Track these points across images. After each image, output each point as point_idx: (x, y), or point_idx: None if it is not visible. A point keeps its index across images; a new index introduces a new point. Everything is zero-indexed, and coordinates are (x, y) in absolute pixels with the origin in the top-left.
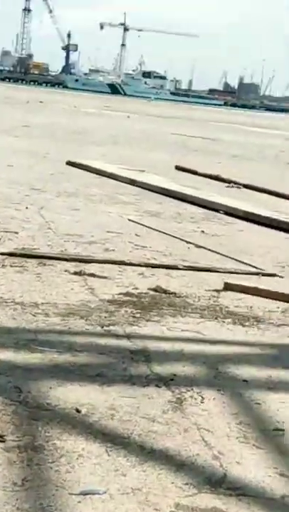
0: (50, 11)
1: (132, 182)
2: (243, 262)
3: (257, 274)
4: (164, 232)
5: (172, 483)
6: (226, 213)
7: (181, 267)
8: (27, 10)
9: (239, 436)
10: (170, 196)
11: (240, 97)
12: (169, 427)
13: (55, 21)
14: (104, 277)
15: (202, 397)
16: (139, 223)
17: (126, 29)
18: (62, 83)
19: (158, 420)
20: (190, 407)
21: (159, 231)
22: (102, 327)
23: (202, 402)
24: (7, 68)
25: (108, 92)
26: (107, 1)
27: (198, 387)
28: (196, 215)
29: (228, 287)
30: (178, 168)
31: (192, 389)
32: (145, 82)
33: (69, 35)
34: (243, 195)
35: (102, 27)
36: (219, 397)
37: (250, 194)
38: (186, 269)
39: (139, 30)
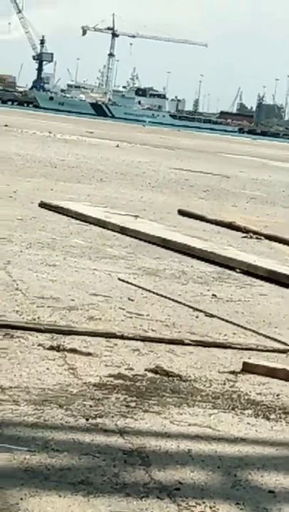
0: (19, 11)
1: (123, 230)
2: (266, 336)
3: (285, 351)
4: (165, 297)
5: None
6: (244, 272)
7: (187, 341)
8: None
9: None
10: (171, 249)
11: (259, 121)
12: None
13: (25, 24)
14: (89, 354)
15: None
16: (132, 284)
17: (115, 35)
18: (32, 102)
19: None
20: None
21: (159, 294)
22: (87, 419)
23: None
24: None
25: (92, 114)
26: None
27: (211, 499)
28: (206, 275)
29: (247, 368)
30: (181, 212)
31: (203, 502)
32: (139, 102)
33: (42, 42)
34: (264, 249)
35: (84, 32)
36: None
37: (274, 247)
38: (193, 345)
39: (132, 36)
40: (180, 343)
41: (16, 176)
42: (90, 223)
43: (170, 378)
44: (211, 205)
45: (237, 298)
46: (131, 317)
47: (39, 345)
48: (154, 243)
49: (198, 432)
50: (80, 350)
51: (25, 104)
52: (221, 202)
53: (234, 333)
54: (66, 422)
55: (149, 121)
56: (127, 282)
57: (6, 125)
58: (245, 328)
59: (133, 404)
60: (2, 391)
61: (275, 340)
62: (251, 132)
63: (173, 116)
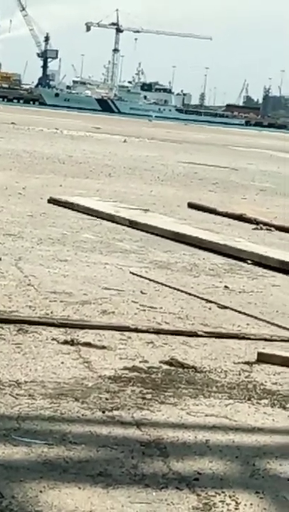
0: (23, 9)
1: (134, 224)
2: (280, 326)
3: None
4: (178, 289)
5: None
6: (256, 263)
7: (201, 333)
8: None
9: None
10: (182, 242)
11: (265, 113)
12: None
13: (29, 21)
14: (103, 347)
15: (236, 502)
16: (144, 277)
17: (119, 30)
18: (38, 99)
19: None
20: None
21: (171, 287)
22: (104, 412)
23: (236, 509)
24: None
25: (98, 110)
26: None
27: (230, 488)
28: (217, 267)
29: (262, 359)
30: (191, 205)
31: (223, 491)
32: (145, 97)
33: (47, 39)
34: (275, 240)
35: (88, 28)
36: (258, 501)
37: (285, 238)
38: (207, 336)
39: (136, 31)
40: (194, 334)
41: (25, 173)
42: (100, 218)
43: (185, 370)
44: (220, 198)
45: (249, 289)
46: (144, 310)
47: (53, 339)
48: (164, 236)
49: (215, 422)
50: (94, 343)
51: (31, 102)
52: (231, 194)
53: (248, 324)
54: (83, 415)
55: (156, 116)
56: (139, 276)
57: (12, 123)
58: (259, 319)
59: (149, 396)
60: (18, 385)
61: None
62: (258, 125)
63: (179, 110)
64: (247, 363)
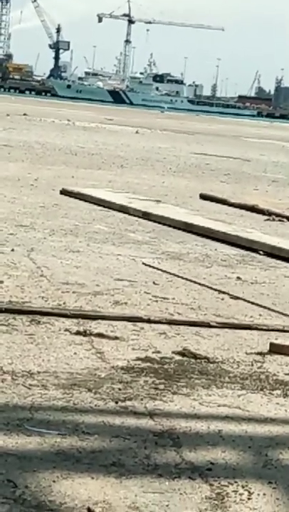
0: (34, 0)
1: (146, 215)
2: None
3: None
4: (190, 280)
5: None
6: (268, 254)
7: (213, 324)
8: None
9: None
10: (194, 233)
11: (277, 104)
12: None
13: (41, 12)
14: (116, 338)
15: (249, 492)
16: (156, 268)
17: (131, 21)
18: (50, 90)
19: None
20: (234, 505)
21: (184, 278)
22: (116, 402)
23: (249, 499)
24: None
25: (109, 101)
26: None
27: (243, 479)
28: (230, 258)
29: (275, 349)
30: (203, 196)
31: (235, 481)
32: (157, 88)
33: (58, 30)
34: (287, 231)
35: (100, 19)
36: (271, 491)
37: None
38: (220, 327)
39: (148, 22)
40: (206, 325)
41: (37, 164)
42: (112, 209)
43: (197, 360)
44: (232, 189)
45: (262, 280)
46: (156, 301)
47: (66, 330)
48: (177, 227)
49: (227, 412)
50: (107, 334)
51: (43, 93)
52: (243, 185)
53: (260, 315)
54: (96, 406)
55: (168, 107)
56: (152, 267)
57: (25, 114)
58: (271, 310)
59: (162, 386)
60: (31, 376)
61: None
62: (270, 116)
63: (191, 101)
64: (259, 353)
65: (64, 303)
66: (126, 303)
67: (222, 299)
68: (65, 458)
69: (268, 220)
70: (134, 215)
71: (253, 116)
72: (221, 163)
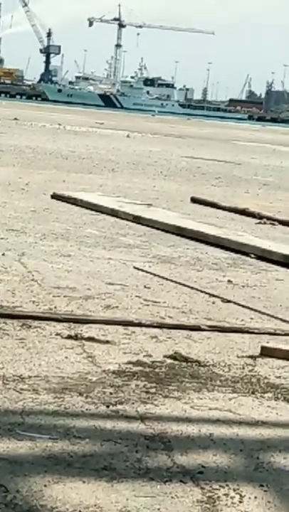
0: (25, 4)
1: (137, 219)
2: (283, 320)
3: None
4: (181, 283)
5: None
6: (259, 258)
7: (204, 327)
8: None
9: None
10: (185, 236)
11: (268, 108)
12: None
13: (31, 17)
14: (107, 342)
15: (240, 495)
16: (147, 272)
17: (121, 25)
18: (41, 95)
19: None
20: (225, 508)
21: (175, 282)
22: (108, 406)
23: (240, 502)
24: None
25: (100, 105)
26: None
27: (234, 482)
28: (220, 261)
29: (266, 352)
30: (194, 200)
31: (227, 485)
32: (147, 92)
33: (49, 34)
34: (278, 234)
35: (91, 23)
36: (262, 494)
37: (288, 232)
38: (211, 330)
39: (139, 26)
40: (197, 329)
41: (28, 169)
42: (103, 213)
43: (189, 364)
44: (223, 192)
45: (253, 283)
46: (148, 305)
47: (57, 334)
48: (168, 231)
49: (219, 416)
50: (98, 338)
51: (34, 98)
52: (234, 188)
53: (251, 318)
54: (87, 410)
55: (158, 111)
56: (143, 270)
57: (15, 118)
58: (262, 313)
59: (153, 390)
60: (22, 380)
61: None
62: (261, 119)
63: (182, 105)
64: (251, 356)
65: (55, 307)
66: (117, 307)
67: (213, 303)
68: (57, 462)
69: (259, 223)
70: (126, 219)
71: (244, 119)
72: (212, 167)
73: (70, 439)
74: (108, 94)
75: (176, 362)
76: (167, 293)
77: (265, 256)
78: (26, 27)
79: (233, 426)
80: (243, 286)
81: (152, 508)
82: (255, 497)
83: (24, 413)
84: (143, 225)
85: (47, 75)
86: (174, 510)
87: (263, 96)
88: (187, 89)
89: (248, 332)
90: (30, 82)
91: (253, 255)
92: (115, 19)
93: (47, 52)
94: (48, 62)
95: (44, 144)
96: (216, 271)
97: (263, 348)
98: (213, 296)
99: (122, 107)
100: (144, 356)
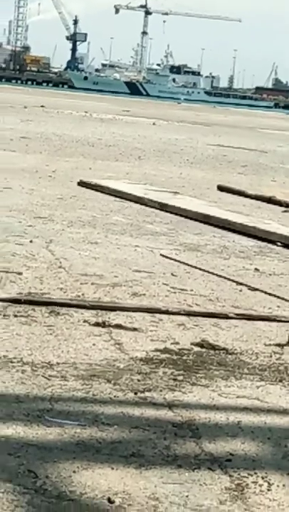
0: None
1: (163, 207)
2: None
3: None
4: (208, 271)
5: None
6: (286, 246)
7: (232, 315)
8: None
9: None
10: (212, 224)
11: None
12: None
13: (58, 4)
14: (135, 329)
15: (269, 483)
16: (174, 260)
17: (148, 13)
18: (67, 82)
19: None
20: (253, 496)
21: (201, 269)
22: (136, 393)
23: (269, 490)
24: None
25: (126, 93)
26: None
27: (262, 470)
28: (247, 249)
29: None
30: (221, 188)
31: (255, 472)
32: (173, 80)
33: (76, 22)
34: None
35: (117, 10)
36: None
37: None
38: (238, 318)
39: (165, 13)
40: (225, 316)
41: (55, 156)
42: (130, 201)
43: (216, 352)
44: (249, 180)
45: (280, 271)
46: (175, 292)
47: (84, 321)
48: (194, 219)
49: (246, 404)
50: (126, 325)
51: (60, 85)
52: (260, 177)
53: (278, 306)
54: (115, 397)
55: (184, 99)
56: (170, 258)
57: (42, 106)
58: None
59: (180, 377)
60: (50, 367)
61: None
62: (287, 107)
63: (208, 93)
64: (278, 345)
65: (83, 294)
66: (144, 294)
67: (240, 291)
68: (85, 449)
69: (285, 211)
70: (152, 207)
71: (270, 107)
72: (238, 155)
73: (98, 425)
74: (134, 81)
75: (203, 349)
76: (194, 281)
77: None
78: (53, 14)
79: (260, 414)
80: (270, 275)
81: (180, 495)
82: (284, 485)
83: (53, 399)
84: (169, 212)
85: (73, 63)
86: (203, 498)
87: None
88: (213, 77)
89: (275, 320)
90: (56, 70)
91: (279, 243)
92: (141, 6)
93: (73, 39)
94: (74, 49)
95: (71, 131)
96: (243, 259)
97: None
98: (240, 284)
99: (147, 95)
100: (172, 344)
